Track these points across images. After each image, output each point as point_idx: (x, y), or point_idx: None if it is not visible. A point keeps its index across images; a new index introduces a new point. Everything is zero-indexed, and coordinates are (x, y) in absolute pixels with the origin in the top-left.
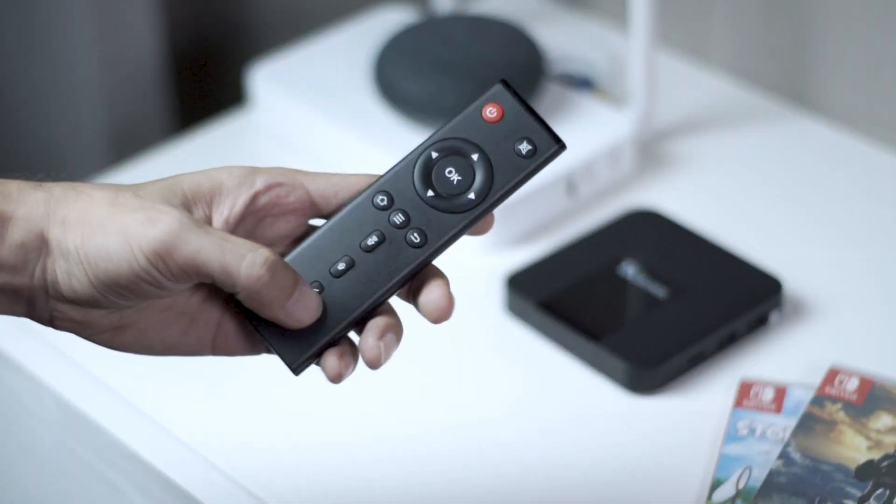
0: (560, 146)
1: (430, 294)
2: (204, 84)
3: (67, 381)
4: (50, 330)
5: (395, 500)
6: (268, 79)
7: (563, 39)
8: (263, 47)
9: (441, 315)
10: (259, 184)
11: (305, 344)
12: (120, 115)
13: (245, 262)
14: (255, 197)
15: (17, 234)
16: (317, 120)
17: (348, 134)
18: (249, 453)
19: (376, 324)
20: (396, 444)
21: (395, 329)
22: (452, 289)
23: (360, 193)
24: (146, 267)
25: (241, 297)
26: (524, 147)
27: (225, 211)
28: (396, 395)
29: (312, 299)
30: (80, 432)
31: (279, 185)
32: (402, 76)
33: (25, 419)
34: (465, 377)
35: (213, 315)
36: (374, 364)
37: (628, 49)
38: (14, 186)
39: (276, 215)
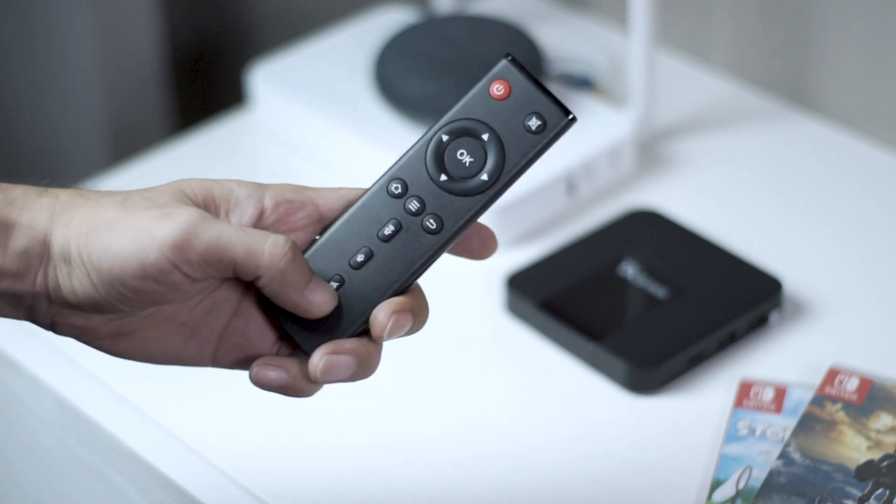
0: (570, 119)
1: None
2: (204, 84)
3: (67, 381)
4: None
5: (395, 500)
6: (268, 79)
7: (563, 39)
8: (263, 47)
9: (377, 336)
10: (268, 200)
11: (324, 333)
12: (120, 115)
13: (268, 242)
14: (262, 213)
15: (20, 241)
16: (317, 120)
17: (348, 134)
18: (250, 454)
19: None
20: (396, 444)
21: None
22: (452, 289)
23: (373, 184)
24: (160, 262)
25: (262, 282)
26: (533, 123)
27: (234, 221)
28: (396, 395)
29: (328, 288)
30: (80, 432)
31: (288, 202)
32: (401, 76)
33: (25, 419)
34: (464, 377)
35: (215, 327)
36: (377, 336)
37: (628, 49)
38: (19, 192)
39: (284, 232)
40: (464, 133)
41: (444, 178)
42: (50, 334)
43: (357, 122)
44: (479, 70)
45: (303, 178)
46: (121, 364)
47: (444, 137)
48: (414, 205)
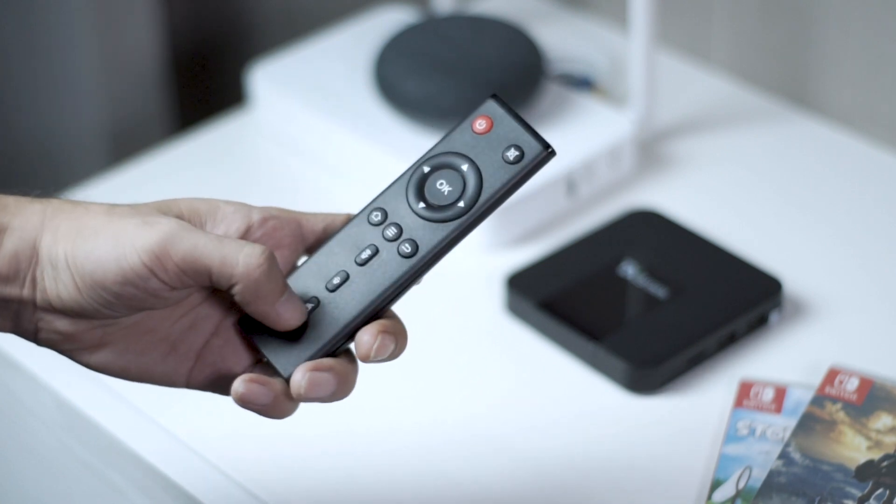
0: (548, 151)
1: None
2: (204, 84)
3: (67, 381)
4: None
5: (394, 499)
6: (268, 79)
7: (563, 39)
8: (263, 47)
9: (363, 356)
10: (255, 215)
11: (299, 354)
12: (120, 115)
13: (243, 253)
14: (249, 227)
15: (10, 244)
16: (317, 120)
17: (348, 134)
18: (250, 453)
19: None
20: (396, 443)
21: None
22: (452, 289)
23: (357, 213)
24: (138, 268)
25: (236, 290)
26: (511, 154)
27: (221, 232)
28: (396, 395)
29: (299, 302)
30: (80, 432)
31: (275, 218)
32: (401, 76)
33: (25, 419)
34: (465, 377)
35: (193, 344)
36: (363, 357)
37: (628, 49)
38: (11, 199)
39: (269, 248)
40: (444, 165)
41: (422, 205)
42: None
43: (357, 122)
44: (479, 70)
45: (302, 178)
46: None
47: (426, 169)
48: (391, 231)
